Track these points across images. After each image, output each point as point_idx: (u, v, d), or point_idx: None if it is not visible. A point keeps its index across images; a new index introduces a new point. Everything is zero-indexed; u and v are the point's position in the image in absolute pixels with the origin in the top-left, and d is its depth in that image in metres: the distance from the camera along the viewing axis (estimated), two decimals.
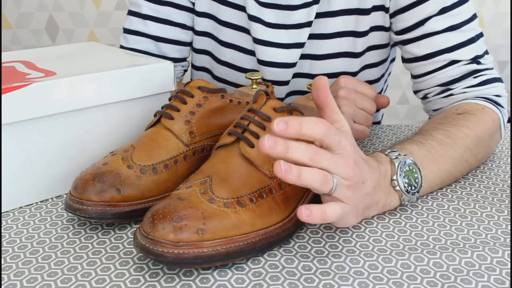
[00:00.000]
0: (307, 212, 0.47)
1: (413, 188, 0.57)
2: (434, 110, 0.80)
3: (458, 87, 0.76)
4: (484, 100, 0.73)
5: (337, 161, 0.49)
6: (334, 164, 0.49)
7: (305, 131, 0.47)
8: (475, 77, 0.75)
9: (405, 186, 0.56)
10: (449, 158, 0.63)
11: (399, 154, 0.58)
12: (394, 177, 0.56)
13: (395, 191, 0.57)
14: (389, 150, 0.59)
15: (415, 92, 0.83)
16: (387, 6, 0.79)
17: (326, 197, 0.50)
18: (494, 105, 0.73)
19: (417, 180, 0.58)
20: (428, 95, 0.80)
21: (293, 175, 0.46)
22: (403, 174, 0.56)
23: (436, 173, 0.61)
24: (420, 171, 0.58)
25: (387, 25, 0.82)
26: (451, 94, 0.76)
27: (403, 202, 0.58)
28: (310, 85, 0.63)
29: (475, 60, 0.76)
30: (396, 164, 0.56)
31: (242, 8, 0.84)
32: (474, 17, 0.76)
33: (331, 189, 0.48)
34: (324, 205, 0.49)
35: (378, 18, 0.81)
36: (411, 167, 0.57)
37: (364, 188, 0.52)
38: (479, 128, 0.67)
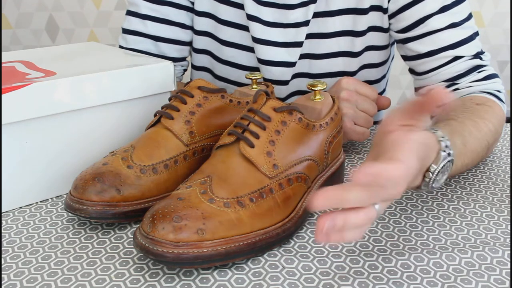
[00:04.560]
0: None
1: (436, 183, 0.53)
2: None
3: (464, 81, 0.77)
4: (489, 94, 0.75)
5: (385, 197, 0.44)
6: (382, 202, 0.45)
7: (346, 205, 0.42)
8: (479, 72, 0.77)
9: (432, 180, 0.52)
10: (473, 153, 0.63)
11: (446, 146, 0.53)
12: (432, 168, 0.52)
13: (422, 174, 0.52)
14: (441, 137, 0.54)
15: (419, 89, 0.82)
16: (384, 6, 0.80)
17: None
18: (498, 100, 0.74)
19: (442, 179, 0.54)
20: None
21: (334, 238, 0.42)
22: (439, 170, 0.52)
23: (458, 167, 0.60)
24: (448, 171, 0.54)
25: (385, 26, 0.82)
26: (457, 89, 0.77)
27: (422, 187, 0.53)
28: (310, 85, 0.62)
29: (478, 55, 0.77)
30: (441, 159, 0.52)
31: (241, 6, 0.84)
32: (470, 16, 0.78)
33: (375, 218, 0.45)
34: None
35: (376, 18, 0.81)
36: (447, 166, 0.53)
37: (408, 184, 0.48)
38: (497, 122, 0.68)
